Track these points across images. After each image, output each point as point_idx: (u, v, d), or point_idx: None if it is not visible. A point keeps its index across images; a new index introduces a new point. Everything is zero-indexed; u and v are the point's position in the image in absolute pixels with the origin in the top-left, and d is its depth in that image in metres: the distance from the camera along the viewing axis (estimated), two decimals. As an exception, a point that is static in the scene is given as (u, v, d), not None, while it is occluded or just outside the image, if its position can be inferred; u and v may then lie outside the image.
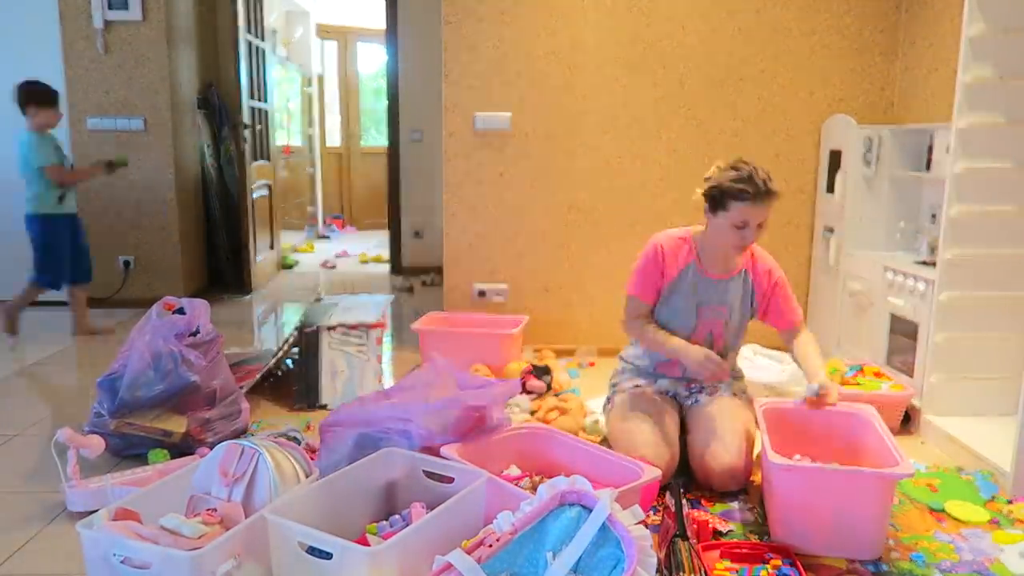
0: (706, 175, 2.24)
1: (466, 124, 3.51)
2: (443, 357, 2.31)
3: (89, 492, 2.06)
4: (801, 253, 3.60)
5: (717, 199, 2.20)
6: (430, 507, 1.72)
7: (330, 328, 2.95)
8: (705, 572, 1.64)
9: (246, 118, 4.97)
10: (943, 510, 2.08)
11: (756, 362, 3.03)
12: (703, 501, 2.13)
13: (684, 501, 1.87)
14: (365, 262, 6.42)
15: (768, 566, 1.76)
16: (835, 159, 3.38)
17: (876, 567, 1.80)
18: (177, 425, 2.38)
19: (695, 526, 1.87)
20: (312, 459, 2.00)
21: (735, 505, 2.12)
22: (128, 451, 2.38)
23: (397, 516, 1.80)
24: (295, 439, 2.42)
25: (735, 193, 2.14)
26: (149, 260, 4.53)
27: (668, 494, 1.79)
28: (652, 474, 1.94)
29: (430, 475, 1.91)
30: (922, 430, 2.68)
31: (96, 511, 1.63)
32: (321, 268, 6.18)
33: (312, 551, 1.54)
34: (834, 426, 2.19)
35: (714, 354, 2.23)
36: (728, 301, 2.32)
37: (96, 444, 2.20)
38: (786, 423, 2.17)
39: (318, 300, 3.41)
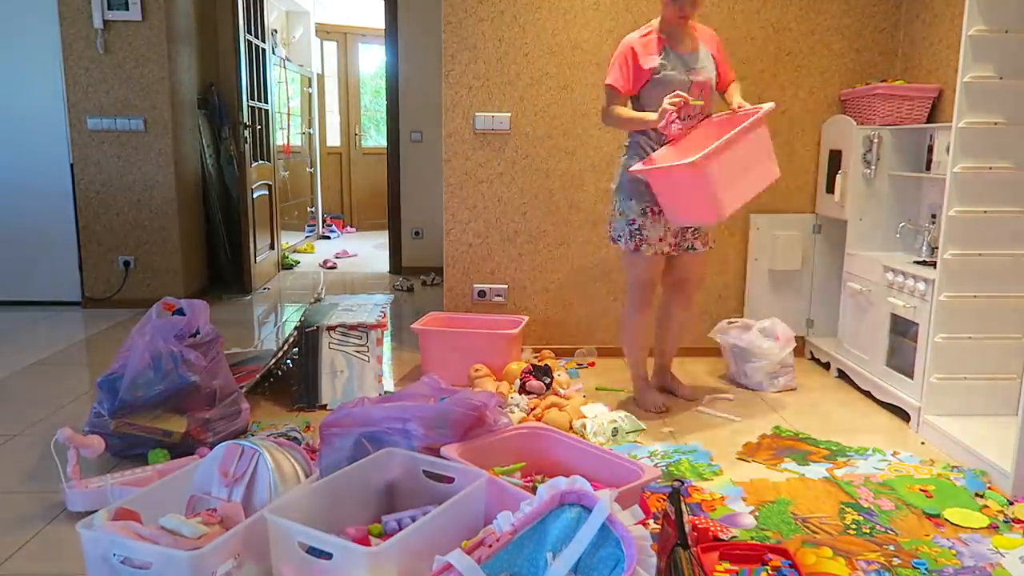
0: None
1: (466, 124, 3.51)
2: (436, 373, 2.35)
3: (89, 492, 2.06)
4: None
5: None
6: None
7: (330, 328, 2.95)
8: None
9: (246, 118, 4.97)
10: (940, 515, 2.08)
11: (729, 330, 3.33)
12: (704, 507, 2.13)
13: (684, 508, 1.87)
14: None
15: (768, 567, 1.76)
16: (835, 159, 3.38)
17: (879, 574, 1.80)
18: (177, 425, 2.38)
19: (695, 533, 1.86)
20: (312, 459, 2.00)
21: (736, 508, 2.12)
22: (128, 451, 2.38)
23: (407, 516, 1.79)
24: (295, 439, 2.42)
25: None
26: (149, 260, 4.53)
27: (668, 501, 1.78)
28: (652, 474, 1.94)
29: (430, 475, 1.91)
30: (922, 430, 2.69)
31: (96, 511, 1.63)
32: (321, 268, 6.19)
33: (312, 551, 1.54)
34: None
35: (667, 105, 2.58)
36: (704, 65, 2.75)
37: (96, 444, 2.20)
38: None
39: (318, 300, 3.41)
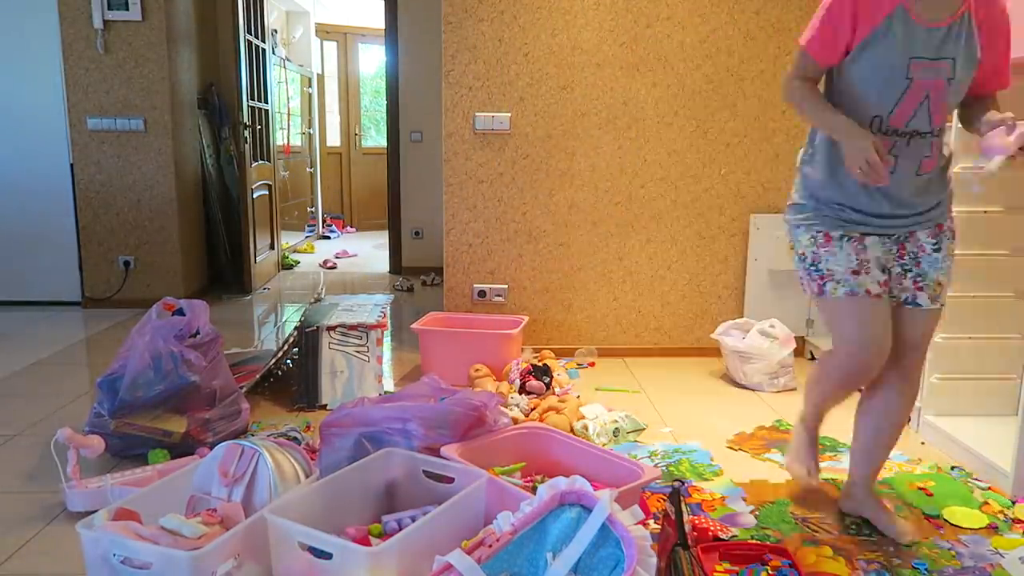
0: None
1: (466, 124, 3.51)
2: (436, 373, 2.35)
3: (89, 492, 2.06)
4: (801, 253, 3.60)
5: None
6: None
7: (330, 328, 2.95)
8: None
9: (246, 118, 4.97)
10: (940, 516, 2.08)
11: (729, 332, 3.30)
12: (704, 507, 2.13)
13: (684, 508, 1.87)
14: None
15: (768, 567, 1.76)
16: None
17: (879, 574, 1.79)
18: (177, 425, 2.38)
19: (695, 533, 1.86)
20: (312, 459, 2.00)
21: (736, 508, 2.12)
22: (128, 451, 2.37)
23: (407, 516, 1.79)
24: (295, 439, 2.42)
25: None
26: (149, 260, 4.53)
27: (668, 501, 1.78)
28: (652, 474, 1.94)
29: (430, 475, 1.91)
30: (922, 430, 2.69)
31: (96, 511, 1.63)
32: (321, 268, 6.19)
33: (312, 551, 1.54)
34: None
35: (882, 148, 1.67)
36: (948, 53, 1.73)
37: (96, 444, 2.20)
38: None
39: (318, 300, 3.41)
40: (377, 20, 6.79)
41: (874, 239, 1.87)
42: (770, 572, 1.74)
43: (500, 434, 2.14)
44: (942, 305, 1.94)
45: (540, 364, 3.12)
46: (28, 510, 2.08)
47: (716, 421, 2.83)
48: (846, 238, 1.87)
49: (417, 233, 5.91)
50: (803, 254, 1.93)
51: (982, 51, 1.75)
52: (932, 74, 1.73)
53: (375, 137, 8.62)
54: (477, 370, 3.11)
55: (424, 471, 1.91)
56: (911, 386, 1.98)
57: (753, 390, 3.17)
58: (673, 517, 1.75)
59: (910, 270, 1.91)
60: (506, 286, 3.64)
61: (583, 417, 2.69)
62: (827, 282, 1.87)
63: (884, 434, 2.02)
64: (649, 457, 2.47)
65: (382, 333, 3.04)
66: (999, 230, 2.56)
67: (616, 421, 2.64)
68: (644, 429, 2.69)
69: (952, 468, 2.40)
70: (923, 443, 2.63)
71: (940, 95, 1.76)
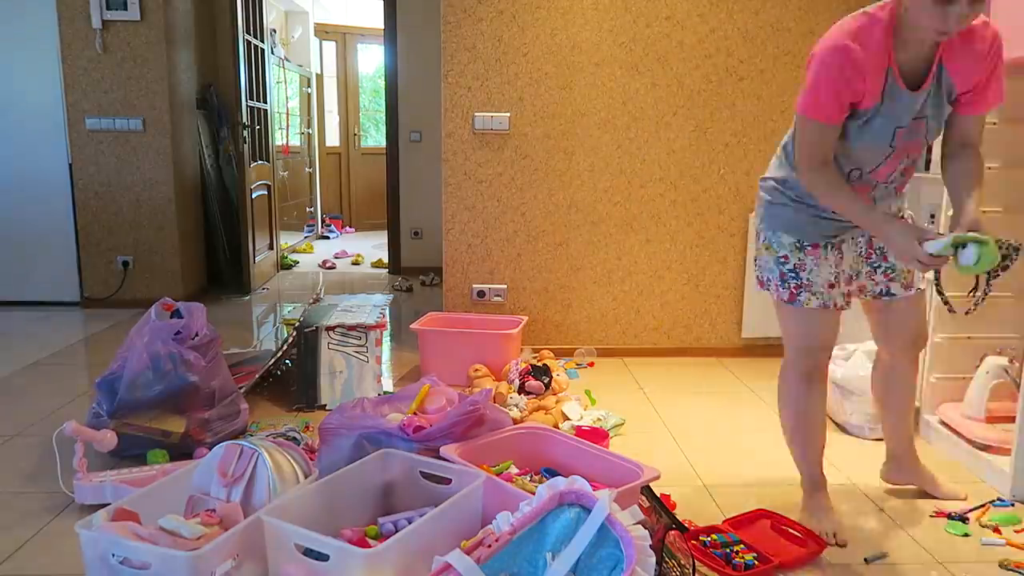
0: None
1: (465, 124, 3.51)
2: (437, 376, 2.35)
3: (97, 486, 2.07)
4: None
5: None
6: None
7: (329, 328, 2.95)
8: (692, 556, 1.68)
9: (245, 118, 4.97)
10: None
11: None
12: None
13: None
14: (357, 263, 6.42)
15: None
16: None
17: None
18: (176, 425, 2.38)
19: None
20: (311, 459, 2.00)
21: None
22: (127, 451, 2.37)
23: (403, 518, 1.79)
24: (294, 439, 2.41)
25: None
26: (148, 260, 4.52)
27: (642, 494, 1.79)
28: (651, 474, 1.94)
29: (427, 476, 1.90)
30: (922, 430, 2.68)
31: (103, 505, 1.63)
32: (320, 268, 6.18)
33: (309, 553, 1.54)
34: None
35: (920, 249, 1.65)
36: (924, 112, 1.74)
37: (108, 438, 2.19)
38: None
39: (317, 300, 3.41)
40: (376, 20, 6.79)
41: (848, 243, 1.96)
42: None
43: (500, 434, 2.14)
44: (920, 288, 2.02)
45: (539, 364, 3.12)
46: (28, 510, 2.08)
47: (716, 421, 2.83)
48: (830, 246, 1.92)
49: (416, 233, 5.91)
50: (784, 257, 1.93)
51: (963, 91, 1.74)
52: (912, 135, 1.76)
53: (374, 137, 8.62)
54: (476, 370, 3.11)
55: (421, 472, 1.91)
56: (916, 363, 2.13)
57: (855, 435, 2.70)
58: (656, 507, 1.76)
59: (879, 266, 1.98)
60: (505, 286, 3.64)
61: (568, 418, 2.68)
62: (802, 291, 1.92)
63: (909, 404, 2.16)
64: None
65: (381, 333, 3.03)
66: (998, 230, 2.55)
67: (600, 419, 2.65)
68: (623, 424, 2.71)
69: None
70: (923, 443, 2.63)
71: (916, 152, 1.83)
